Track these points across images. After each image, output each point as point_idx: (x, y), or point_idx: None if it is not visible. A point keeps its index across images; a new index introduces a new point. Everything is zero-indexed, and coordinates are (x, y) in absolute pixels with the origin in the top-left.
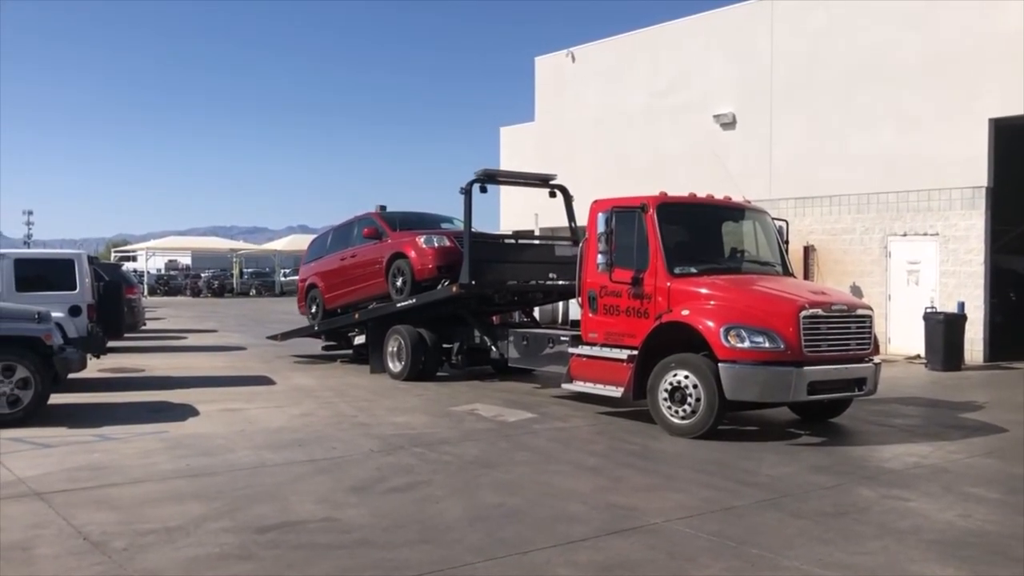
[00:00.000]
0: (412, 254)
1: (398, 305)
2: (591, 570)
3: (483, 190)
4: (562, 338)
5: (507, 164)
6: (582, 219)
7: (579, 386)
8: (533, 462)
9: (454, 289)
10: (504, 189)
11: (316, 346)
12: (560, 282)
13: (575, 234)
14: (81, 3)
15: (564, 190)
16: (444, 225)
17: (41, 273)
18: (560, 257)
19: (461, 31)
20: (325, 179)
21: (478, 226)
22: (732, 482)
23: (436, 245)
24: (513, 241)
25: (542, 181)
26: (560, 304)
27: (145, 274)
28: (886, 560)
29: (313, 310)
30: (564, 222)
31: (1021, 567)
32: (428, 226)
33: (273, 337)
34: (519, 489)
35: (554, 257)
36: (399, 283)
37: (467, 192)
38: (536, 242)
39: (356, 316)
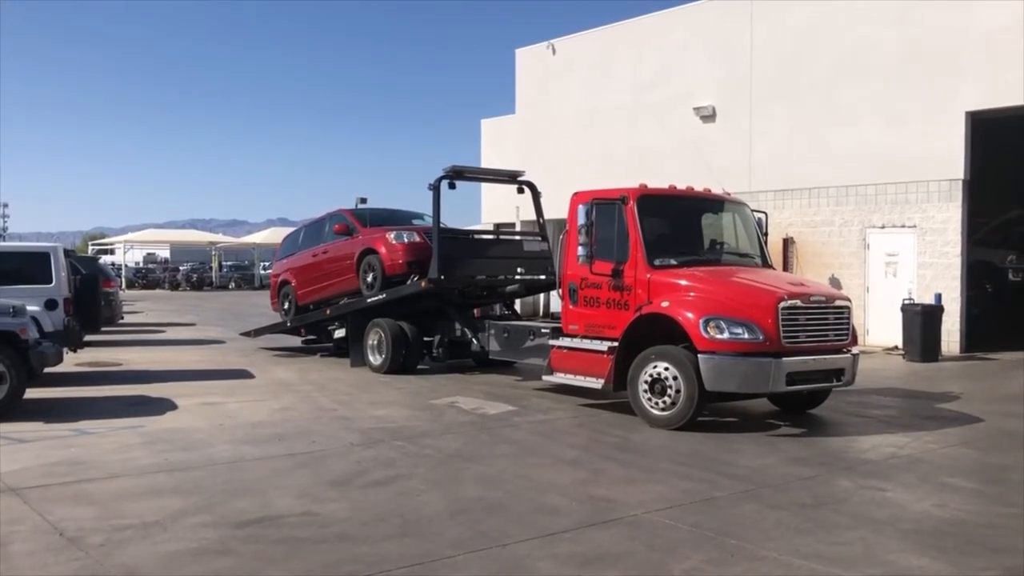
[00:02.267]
0: (382, 250)
1: (368, 300)
2: (571, 562)
3: (452, 186)
4: (543, 330)
5: (488, 156)
6: (558, 212)
7: (560, 378)
8: (514, 455)
9: (423, 284)
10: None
11: (296, 340)
12: (529, 277)
13: (543, 230)
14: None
15: (532, 186)
16: (415, 221)
17: (16, 266)
18: (528, 252)
19: (442, 24)
20: (305, 172)
21: (461, 220)
22: (712, 473)
23: (406, 241)
24: (483, 236)
25: (510, 177)
26: (541, 296)
27: (123, 267)
28: (863, 550)
29: (286, 306)
30: (545, 216)
31: (996, 556)
32: (399, 222)
33: (246, 334)
34: (500, 482)
35: (522, 252)
36: (370, 278)
37: (435, 188)
38: (505, 237)
39: (328, 312)
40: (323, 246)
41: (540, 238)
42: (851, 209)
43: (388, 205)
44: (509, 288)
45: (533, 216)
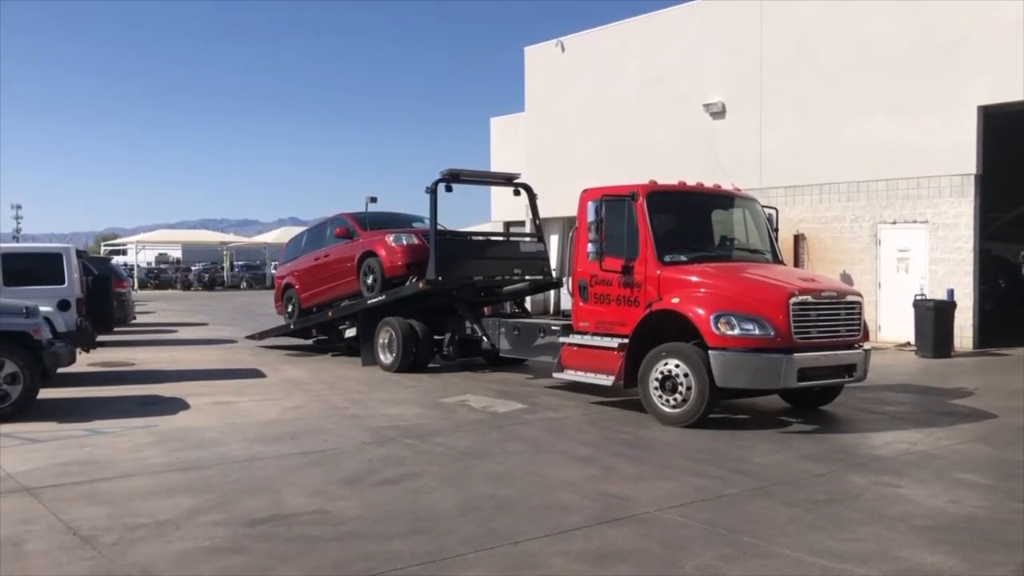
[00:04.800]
0: (382, 252)
1: (368, 302)
2: (583, 559)
3: (448, 189)
4: (553, 328)
5: (497, 154)
6: (568, 209)
7: (570, 375)
8: (525, 452)
9: (421, 285)
10: None
11: (306, 339)
12: (529, 278)
13: (539, 231)
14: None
15: (528, 188)
16: (415, 224)
17: (29, 267)
18: (525, 253)
19: (451, 25)
20: (316, 172)
21: (472, 219)
22: (723, 470)
23: (405, 243)
24: (479, 238)
25: (506, 180)
26: (552, 294)
27: (135, 268)
28: (876, 547)
29: (289, 309)
30: (552, 214)
31: (1010, 552)
32: (398, 225)
33: (251, 337)
34: (511, 479)
35: (519, 253)
36: (370, 280)
37: (432, 192)
38: (501, 239)
39: (329, 314)
40: (325, 249)
41: (536, 239)
42: (862, 205)
43: (398, 204)
44: (507, 288)
45: (543, 214)
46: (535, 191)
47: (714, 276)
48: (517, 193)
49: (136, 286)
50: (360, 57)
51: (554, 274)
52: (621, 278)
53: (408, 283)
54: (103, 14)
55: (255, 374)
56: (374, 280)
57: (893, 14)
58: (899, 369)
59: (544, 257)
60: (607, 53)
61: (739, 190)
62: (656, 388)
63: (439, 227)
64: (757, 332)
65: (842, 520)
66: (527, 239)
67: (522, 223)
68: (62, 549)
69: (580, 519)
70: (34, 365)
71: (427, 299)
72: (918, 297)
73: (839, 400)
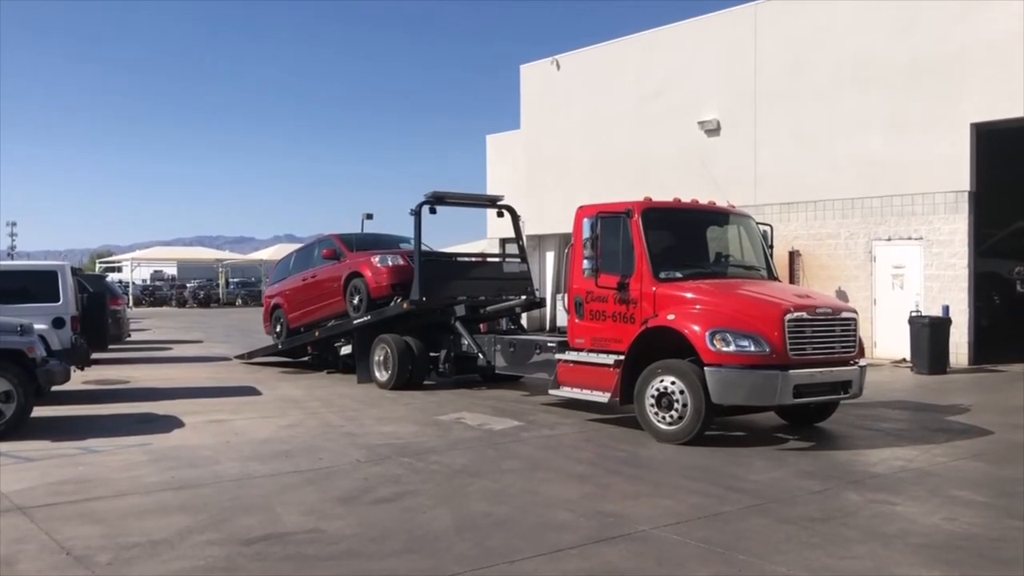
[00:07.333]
0: (368, 273)
1: (355, 323)
2: None
3: (433, 211)
4: (549, 344)
5: (493, 171)
6: (564, 226)
7: (566, 392)
8: (520, 470)
9: (405, 306)
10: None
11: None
12: (521, 298)
13: (523, 252)
14: (64, 13)
15: (511, 210)
16: (403, 245)
17: (24, 285)
18: (508, 273)
19: (449, 41)
20: (311, 188)
21: (469, 235)
22: (720, 488)
23: (390, 264)
24: (463, 259)
25: (490, 202)
26: (547, 310)
27: (130, 285)
28: (873, 564)
29: (277, 329)
30: (548, 230)
31: (1007, 570)
32: (384, 246)
33: (240, 357)
34: (507, 498)
35: (502, 274)
36: (356, 301)
37: (416, 214)
38: (485, 260)
39: (316, 334)
40: (312, 270)
41: (520, 260)
42: (857, 221)
43: (394, 220)
44: (490, 308)
45: (539, 231)
46: (518, 212)
47: (709, 293)
48: (501, 215)
49: (131, 303)
50: (357, 74)
51: (537, 294)
52: (617, 295)
53: (393, 303)
54: (98, 28)
55: (250, 392)
56: (360, 300)
57: (887, 33)
58: (895, 386)
59: (527, 277)
60: (602, 70)
61: (734, 207)
62: (652, 405)
63: (424, 248)
64: (753, 349)
65: (838, 537)
66: (511, 260)
67: (517, 240)
68: (55, 569)
69: (576, 537)
70: (28, 383)
71: (422, 316)
72: (913, 313)
73: (835, 417)
